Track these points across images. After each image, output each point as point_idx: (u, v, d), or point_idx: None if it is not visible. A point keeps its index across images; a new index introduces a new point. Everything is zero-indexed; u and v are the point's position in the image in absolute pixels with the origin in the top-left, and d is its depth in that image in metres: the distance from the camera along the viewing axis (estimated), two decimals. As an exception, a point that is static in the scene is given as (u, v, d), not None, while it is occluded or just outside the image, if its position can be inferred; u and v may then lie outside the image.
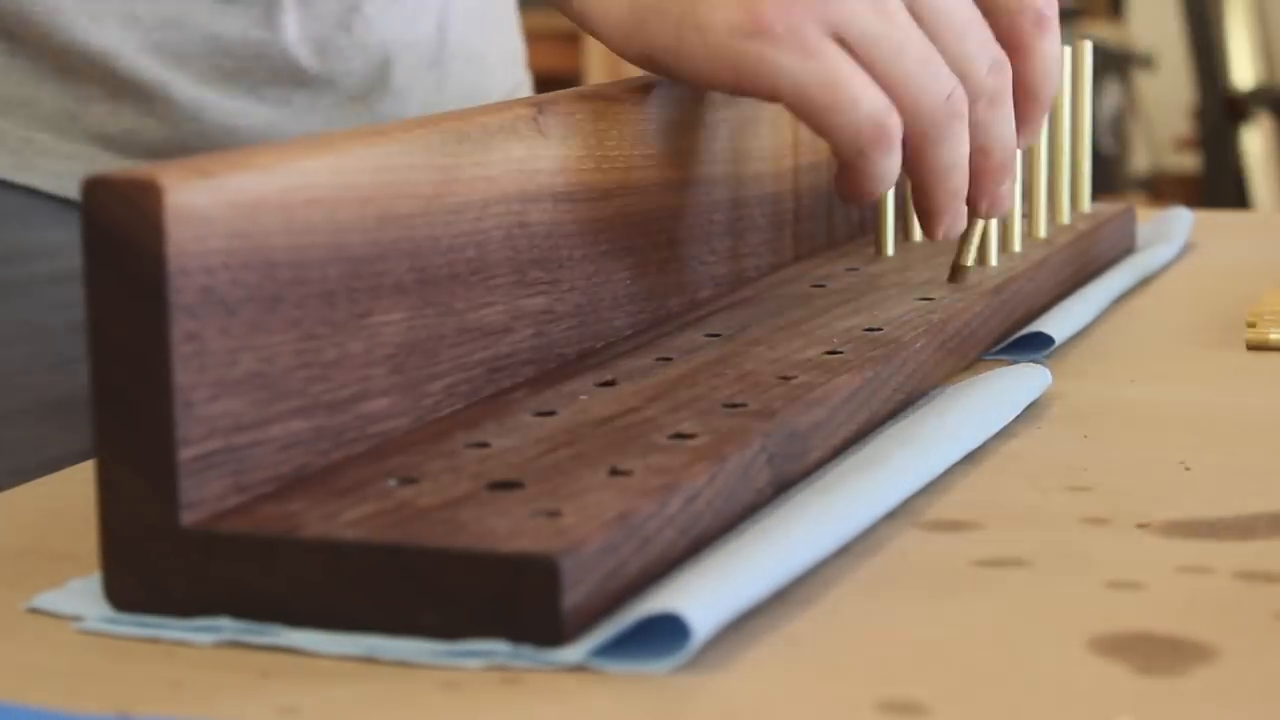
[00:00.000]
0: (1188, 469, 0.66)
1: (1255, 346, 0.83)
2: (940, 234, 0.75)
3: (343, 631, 0.51)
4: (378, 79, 0.94)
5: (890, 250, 0.89)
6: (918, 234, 0.92)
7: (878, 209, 0.89)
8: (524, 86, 1.07)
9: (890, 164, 0.70)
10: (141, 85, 0.87)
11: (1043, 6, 0.77)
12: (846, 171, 0.71)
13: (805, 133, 0.90)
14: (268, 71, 0.90)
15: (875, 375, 0.68)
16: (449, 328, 0.63)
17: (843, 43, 0.68)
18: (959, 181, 0.73)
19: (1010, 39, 0.75)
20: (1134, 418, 0.72)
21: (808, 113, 0.69)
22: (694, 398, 0.64)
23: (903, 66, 0.69)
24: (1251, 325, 0.84)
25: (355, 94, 0.93)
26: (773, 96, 0.69)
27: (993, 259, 0.86)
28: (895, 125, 0.69)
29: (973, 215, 0.76)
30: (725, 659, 0.50)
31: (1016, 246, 0.90)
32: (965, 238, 0.82)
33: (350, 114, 0.93)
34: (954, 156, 0.72)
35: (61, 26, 0.86)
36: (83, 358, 0.78)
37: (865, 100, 0.69)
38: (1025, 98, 0.76)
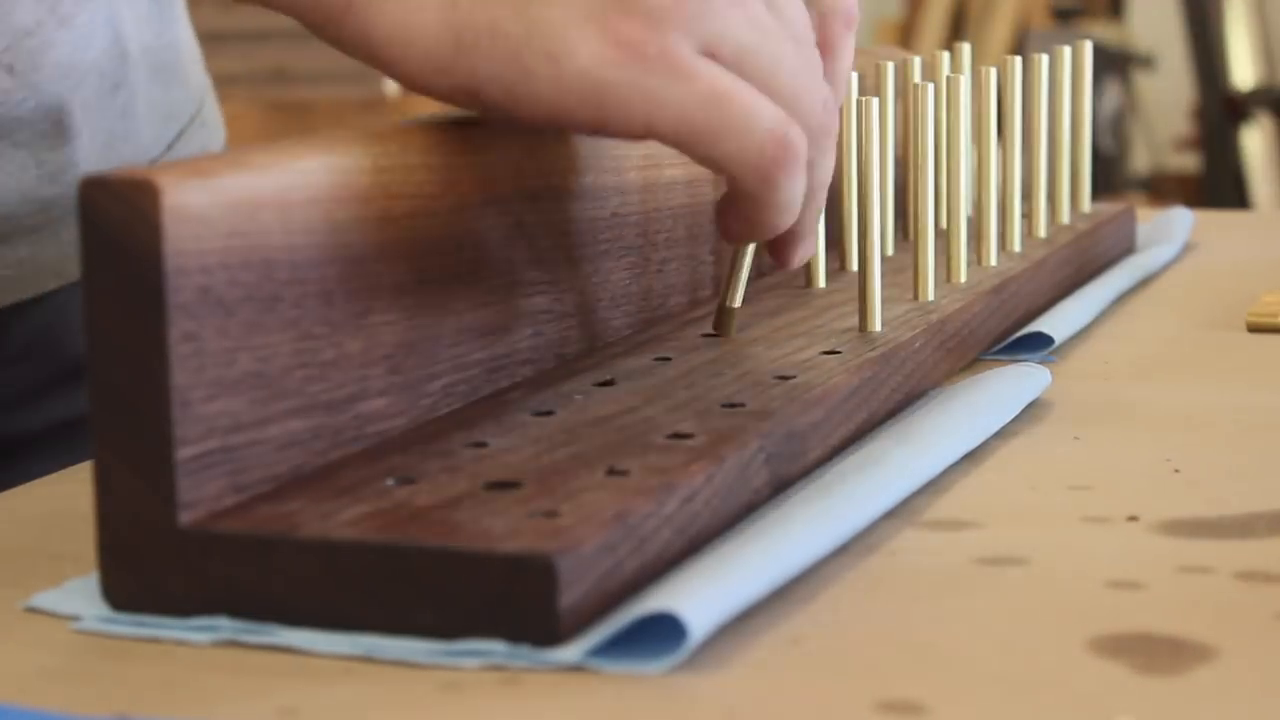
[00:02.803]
0: (1187, 469, 0.66)
1: (1258, 328, 0.83)
2: (799, 260, 0.69)
3: (340, 631, 0.51)
4: (53, 125, 0.80)
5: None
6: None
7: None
8: (209, 92, 0.94)
9: (798, 185, 0.62)
10: None
11: (853, 8, 0.69)
12: (744, 203, 0.62)
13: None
14: None
15: (874, 375, 0.68)
16: (447, 327, 0.63)
17: (715, 59, 0.60)
18: (823, 199, 0.66)
19: (820, 36, 0.68)
20: (1133, 417, 0.72)
21: (694, 142, 0.60)
22: (692, 398, 0.64)
23: (781, 79, 0.61)
24: (1254, 325, 0.84)
25: (26, 142, 0.79)
26: (646, 132, 0.60)
27: (992, 259, 0.86)
28: (799, 138, 0.61)
29: (784, 251, 0.69)
30: (725, 659, 0.50)
31: (1016, 246, 0.90)
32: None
33: (21, 165, 0.79)
34: (826, 173, 0.65)
35: None
36: None
37: (763, 115, 0.60)
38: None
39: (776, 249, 0.69)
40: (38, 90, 0.79)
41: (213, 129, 0.93)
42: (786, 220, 0.63)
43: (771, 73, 0.61)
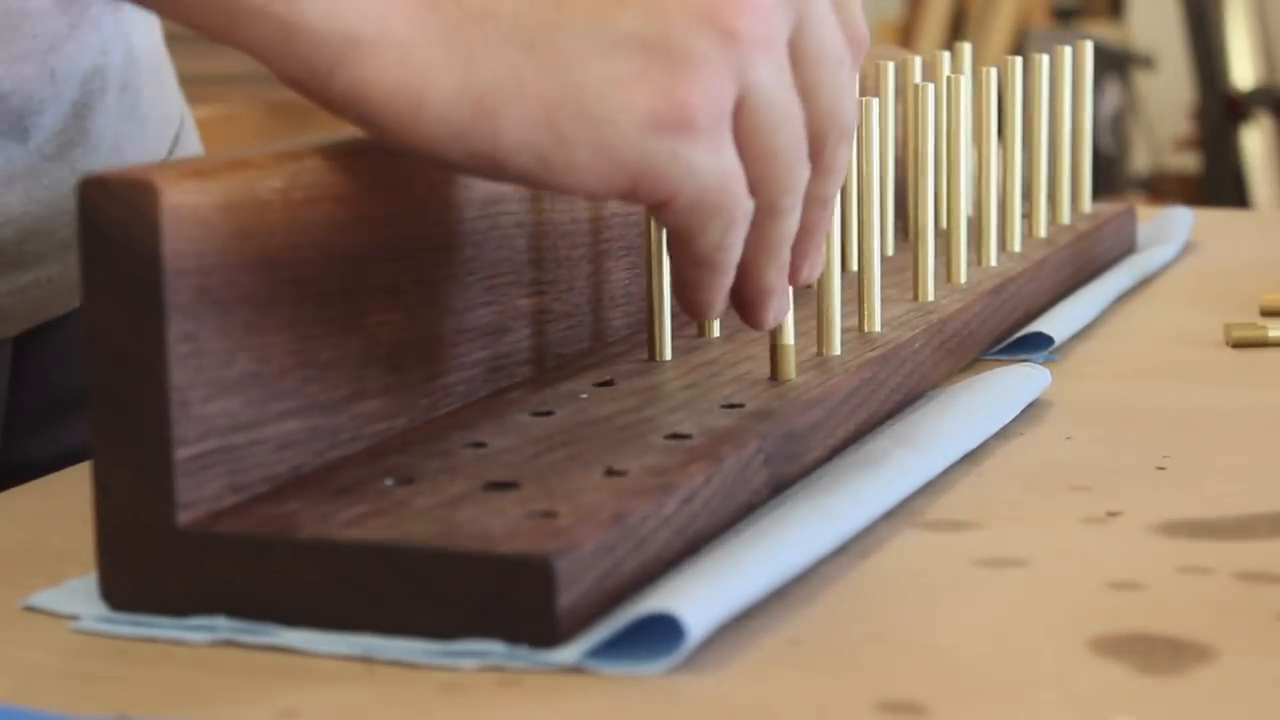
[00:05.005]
0: (1187, 469, 0.66)
1: (1240, 344, 0.83)
2: (770, 320, 0.63)
3: (339, 631, 0.51)
4: (80, 131, 0.79)
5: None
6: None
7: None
8: (188, 113, 0.92)
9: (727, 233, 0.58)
10: None
11: (863, 34, 0.63)
12: (700, 270, 0.59)
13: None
14: None
15: (873, 376, 0.68)
16: (446, 328, 0.63)
17: (735, 112, 0.55)
18: (787, 256, 0.61)
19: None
20: (1133, 418, 0.72)
21: (692, 220, 0.56)
22: (691, 398, 0.64)
23: (781, 141, 0.56)
24: (1263, 322, 0.84)
25: (55, 154, 0.78)
26: (662, 206, 0.55)
27: (992, 259, 0.86)
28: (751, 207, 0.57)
29: (795, 279, 0.63)
30: (725, 659, 0.50)
31: (1016, 246, 0.90)
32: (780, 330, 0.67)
33: (57, 178, 0.78)
34: (791, 227, 0.60)
35: None
36: None
37: (745, 197, 0.56)
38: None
39: (746, 313, 0.63)
40: (69, 98, 0.79)
41: (194, 135, 0.92)
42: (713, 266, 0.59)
43: (773, 135, 0.56)
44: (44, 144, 0.78)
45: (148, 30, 0.86)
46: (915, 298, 0.79)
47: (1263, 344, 0.83)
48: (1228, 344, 0.83)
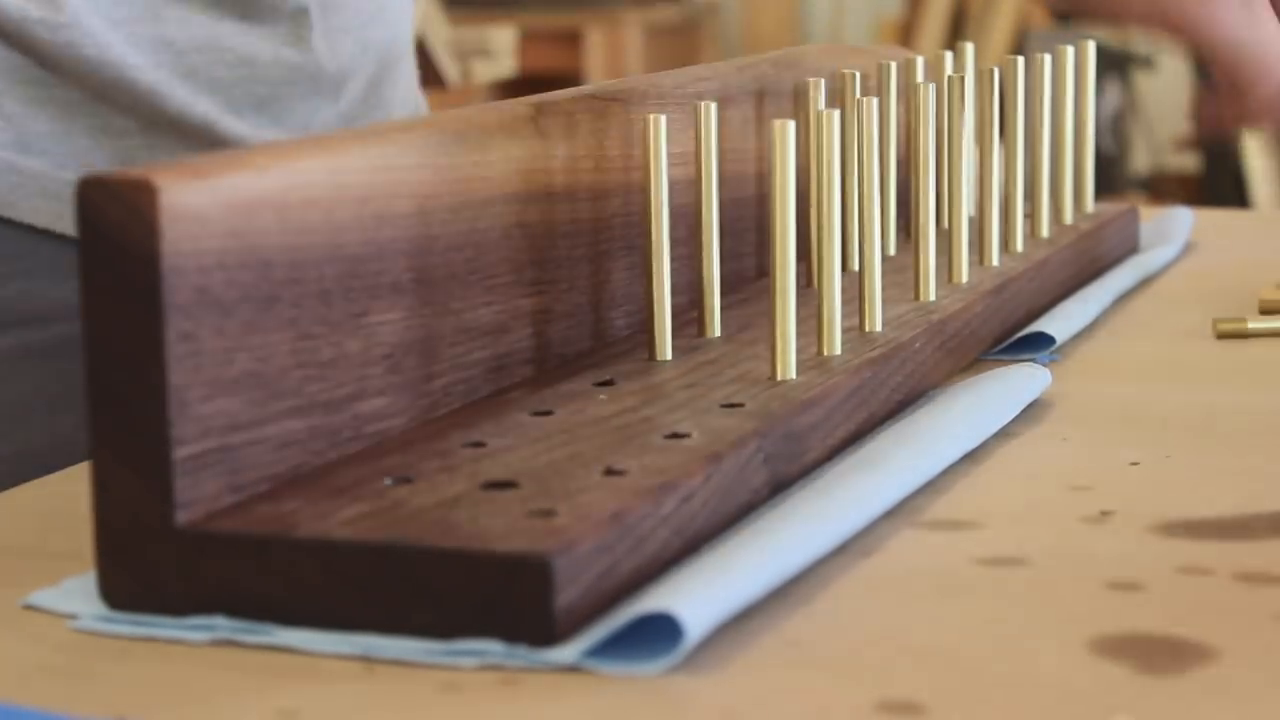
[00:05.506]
0: (1187, 469, 0.66)
1: (1226, 335, 0.84)
2: None
3: (338, 631, 0.51)
4: (374, 95, 0.92)
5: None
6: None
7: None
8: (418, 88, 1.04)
9: None
10: (178, 116, 0.83)
11: None
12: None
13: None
14: (300, 93, 0.87)
15: (873, 375, 0.68)
16: (446, 327, 0.63)
17: None
18: None
19: None
20: (1134, 418, 0.72)
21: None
22: (691, 398, 0.64)
23: None
24: (1224, 332, 0.85)
25: (351, 116, 0.90)
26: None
27: (994, 259, 0.86)
28: None
29: None
30: (725, 659, 0.50)
31: (1018, 246, 0.89)
32: None
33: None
34: None
35: (101, 58, 0.80)
36: None
37: None
38: None
39: None
40: (371, 68, 0.91)
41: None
42: None
43: None
44: (347, 109, 0.90)
45: (406, 9, 0.96)
46: (916, 297, 0.78)
47: (1244, 335, 0.84)
48: (1215, 337, 0.84)
